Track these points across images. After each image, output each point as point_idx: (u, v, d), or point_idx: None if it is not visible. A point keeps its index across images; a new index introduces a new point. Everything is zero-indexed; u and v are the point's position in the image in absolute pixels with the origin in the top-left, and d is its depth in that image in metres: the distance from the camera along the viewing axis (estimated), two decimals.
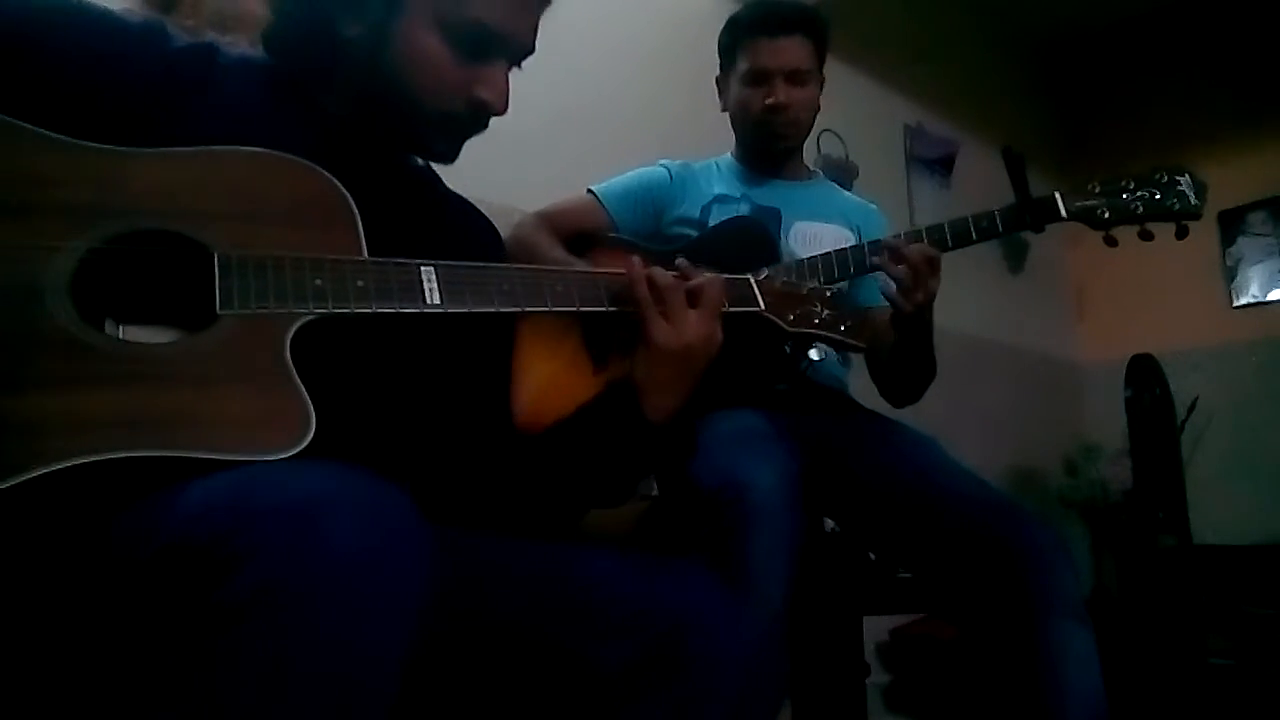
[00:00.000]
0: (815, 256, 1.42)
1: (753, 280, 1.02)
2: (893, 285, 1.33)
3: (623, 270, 0.91)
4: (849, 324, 1.08)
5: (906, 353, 1.43)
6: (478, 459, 0.91)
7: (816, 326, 1.06)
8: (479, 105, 0.85)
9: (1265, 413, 3.54)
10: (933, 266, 1.31)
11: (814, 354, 1.11)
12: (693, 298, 0.90)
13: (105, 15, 0.80)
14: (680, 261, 0.96)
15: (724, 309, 0.93)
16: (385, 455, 0.80)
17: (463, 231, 0.98)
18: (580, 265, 1.45)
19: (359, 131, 0.88)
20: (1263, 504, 3.42)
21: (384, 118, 0.87)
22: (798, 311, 1.05)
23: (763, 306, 1.02)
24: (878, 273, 1.37)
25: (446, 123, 0.86)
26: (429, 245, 0.83)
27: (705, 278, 0.92)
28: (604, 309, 0.90)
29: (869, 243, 1.41)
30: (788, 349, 1.08)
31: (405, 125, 0.87)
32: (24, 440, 0.57)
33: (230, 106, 0.82)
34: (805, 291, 1.07)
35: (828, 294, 1.09)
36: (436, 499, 1.01)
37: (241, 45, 0.93)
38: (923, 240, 1.35)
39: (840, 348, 1.10)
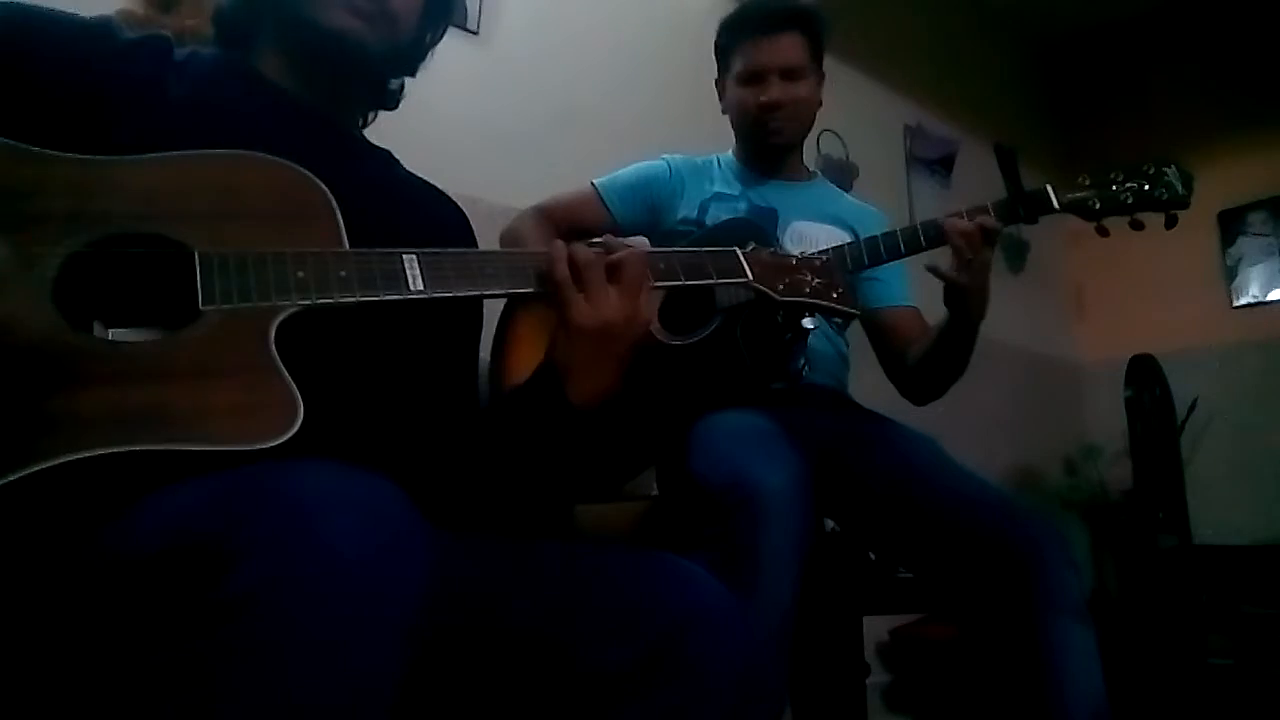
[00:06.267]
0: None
1: (739, 251, 1.01)
2: (942, 265, 1.36)
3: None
4: (841, 290, 1.06)
5: (955, 334, 1.44)
6: (446, 446, 0.91)
7: (807, 295, 1.04)
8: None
9: (1265, 413, 3.54)
10: (988, 234, 1.35)
11: (807, 323, 1.09)
12: (612, 273, 0.85)
13: (57, 19, 0.80)
14: (606, 238, 0.93)
15: (650, 285, 0.89)
16: (374, 445, 0.81)
17: (429, 214, 0.99)
18: None
19: (311, 107, 0.91)
20: (1263, 504, 3.42)
21: (314, 58, 0.90)
22: (787, 281, 1.03)
23: (750, 276, 1.00)
24: (928, 254, 1.39)
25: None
26: (402, 228, 0.83)
27: (626, 252, 0.87)
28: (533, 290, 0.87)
29: (922, 223, 1.42)
30: (779, 319, 1.06)
31: (331, 55, 0.89)
32: (17, 439, 0.57)
33: (187, 102, 0.83)
34: (794, 261, 1.06)
35: (817, 262, 1.07)
36: (426, 490, 1.01)
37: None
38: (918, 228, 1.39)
39: (833, 315, 1.08)
